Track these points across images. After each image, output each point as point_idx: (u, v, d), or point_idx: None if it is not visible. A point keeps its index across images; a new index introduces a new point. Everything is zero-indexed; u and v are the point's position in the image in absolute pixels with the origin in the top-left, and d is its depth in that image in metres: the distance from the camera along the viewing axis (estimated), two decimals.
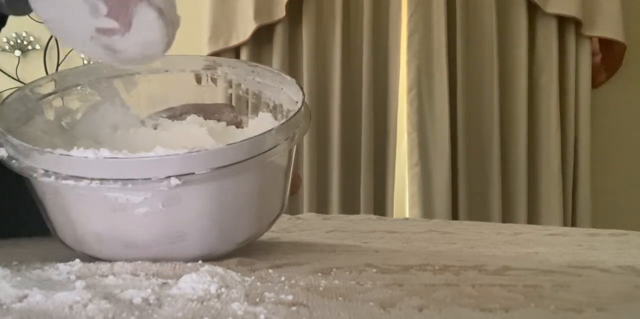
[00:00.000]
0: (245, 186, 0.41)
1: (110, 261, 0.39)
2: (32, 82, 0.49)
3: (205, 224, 0.40)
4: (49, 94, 0.49)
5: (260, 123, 0.51)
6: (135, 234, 0.39)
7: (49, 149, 0.38)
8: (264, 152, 0.40)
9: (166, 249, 0.39)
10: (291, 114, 0.43)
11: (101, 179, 0.36)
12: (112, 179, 0.36)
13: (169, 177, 0.36)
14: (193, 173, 0.37)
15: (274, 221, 0.47)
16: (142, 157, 0.38)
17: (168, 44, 0.42)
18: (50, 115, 0.49)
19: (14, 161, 0.39)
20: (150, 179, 0.36)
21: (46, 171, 0.38)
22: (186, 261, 0.39)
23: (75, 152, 0.39)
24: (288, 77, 0.50)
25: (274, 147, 0.40)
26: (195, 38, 1.80)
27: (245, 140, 0.39)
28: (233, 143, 0.38)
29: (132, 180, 0.36)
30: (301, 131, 0.44)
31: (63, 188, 0.38)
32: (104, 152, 0.39)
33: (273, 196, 0.45)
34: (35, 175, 0.38)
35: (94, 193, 0.37)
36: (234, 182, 0.40)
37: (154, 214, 0.38)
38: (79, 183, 0.37)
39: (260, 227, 0.45)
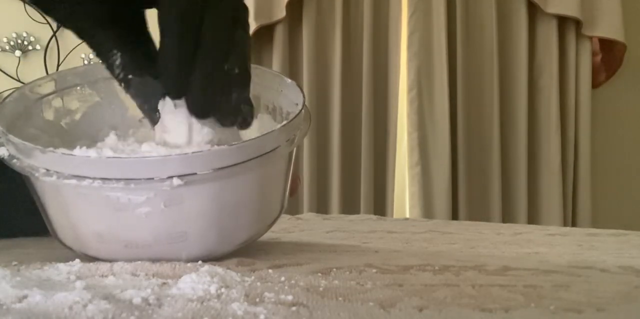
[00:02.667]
0: (246, 187, 0.41)
1: (109, 261, 0.39)
2: (32, 82, 0.49)
3: (206, 224, 0.40)
4: (49, 94, 0.49)
5: (260, 125, 0.51)
6: (136, 234, 0.39)
7: (51, 148, 0.38)
8: (265, 154, 0.40)
9: (166, 249, 0.39)
10: (291, 116, 0.43)
11: (103, 179, 0.36)
12: (115, 179, 0.36)
13: (171, 177, 0.37)
14: (195, 173, 0.37)
15: (274, 222, 0.47)
16: (144, 157, 0.38)
17: None
18: (49, 115, 0.50)
19: (15, 160, 0.39)
20: (152, 179, 0.36)
21: (48, 170, 0.38)
22: (186, 261, 0.39)
23: (78, 151, 0.39)
24: (288, 80, 0.50)
25: (275, 149, 0.41)
26: None
27: (247, 141, 0.39)
28: (235, 144, 0.39)
29: (134, 180, 0.36)
30: (301, 133, 0.44)
31: (64, 187, 0.38)
32: (107, 152, 0.39)
33: (273, 197, 0.45)
34: (36, 174, 0.38)
35: (96, 193, 0.37)
36: (235, 183, 0.40)
37: (156, 214, 0.38)
38: (81, 182, 0.37)
39: (259, 228, 0.45)
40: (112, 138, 0.45)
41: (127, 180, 0.36)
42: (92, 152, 0.38)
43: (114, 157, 0.38)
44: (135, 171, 0.36)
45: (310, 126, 0.47)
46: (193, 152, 0.37)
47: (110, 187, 0.37)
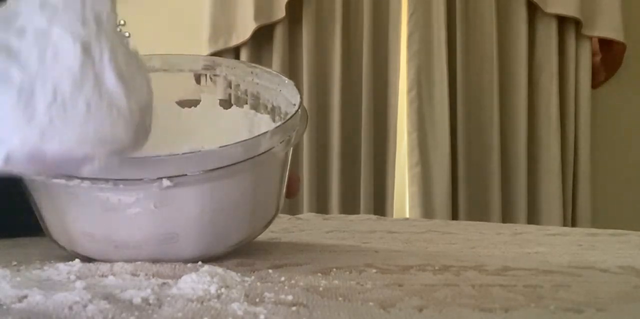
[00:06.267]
0: (239, 189, 0.41)
1: (101, 261, 0.39)
2: None
3: (198, 225, 0.39)
4: None
5: (259, 125, 0.51)
6: (126, 235, 0.39)
7: None
8: (258, 155, 0.40)
9: (157, 250, 0.39)
10: (288, 116, 0.43)
11: (92, 179, 0.36)
12: (103, 179, 0.36)
13: (160, 178, 0.36)
14: (185, 175, 0.37)
15: (268, 224, 0.47)
16: (133, 157, 0.38)
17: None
18: None
19: None
20: (141, 179, 0.36)
21: None
22: (177, 262, 0.39)
23: None
24: (286, 80, 0.50)
25: (268, 150, 0.40)
26: (195, 38, 1.80)
27: (239, 142, 0.39)
28: (226, 145, 0.38)
29: (123, 180, 0.36)
30: (297, 134, 0.44)
31: (54, 187, 0.38)
32: None
33: (267, 199, 0.45)
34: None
35: (85, 193, 0.37)
36: (227, 184, 0.40)
37: (146, 215, 0.38)
38: (70, 182, 0.36)
39: (253, 230, 0.45)
40: None
41: (116, 180, 0.36)
42: None
43: None
44: (124, 172, 0.36)
45: (307, 126, 0.46)
46: (183, 153, 0.37)
47: (99, 187, 0.36)
